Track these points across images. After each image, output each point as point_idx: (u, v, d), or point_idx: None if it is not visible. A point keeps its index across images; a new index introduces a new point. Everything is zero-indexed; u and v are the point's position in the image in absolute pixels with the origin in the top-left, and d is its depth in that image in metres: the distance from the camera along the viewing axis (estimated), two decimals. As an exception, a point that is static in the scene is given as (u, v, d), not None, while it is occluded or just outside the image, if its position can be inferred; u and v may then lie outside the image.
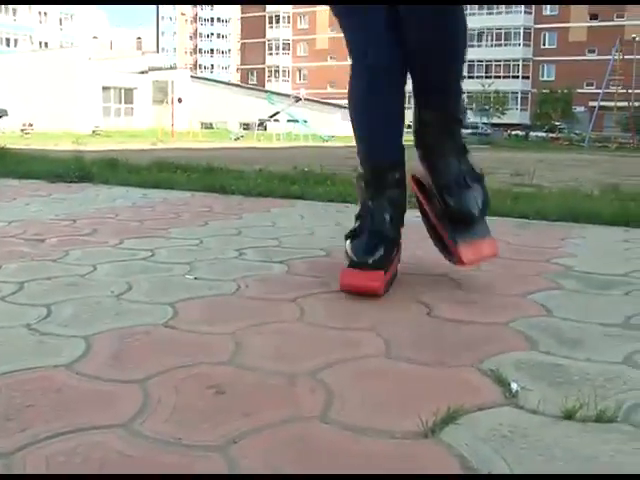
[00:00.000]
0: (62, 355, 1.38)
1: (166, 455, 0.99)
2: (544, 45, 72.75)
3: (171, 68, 60.71)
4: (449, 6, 1.93)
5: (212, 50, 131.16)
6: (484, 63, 69.60)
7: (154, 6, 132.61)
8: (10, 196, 4.20)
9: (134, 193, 4.50)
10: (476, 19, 67.14)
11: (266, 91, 51.08)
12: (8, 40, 77.16)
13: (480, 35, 69.01)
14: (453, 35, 1.99)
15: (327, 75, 74.29)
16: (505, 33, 72.54)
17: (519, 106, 72.06)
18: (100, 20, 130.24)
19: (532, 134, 55.88)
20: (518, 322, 1.66)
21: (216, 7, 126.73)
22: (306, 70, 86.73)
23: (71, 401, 1.16)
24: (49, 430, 1.05)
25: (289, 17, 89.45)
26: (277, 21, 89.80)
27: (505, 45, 72.41)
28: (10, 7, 77.23)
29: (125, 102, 46.02)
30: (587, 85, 66.28)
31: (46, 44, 78.90)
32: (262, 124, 37.92)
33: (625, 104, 49.30)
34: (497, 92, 64.36)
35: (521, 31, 72.67)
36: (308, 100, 43.70)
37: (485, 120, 60.76)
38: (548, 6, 71.63)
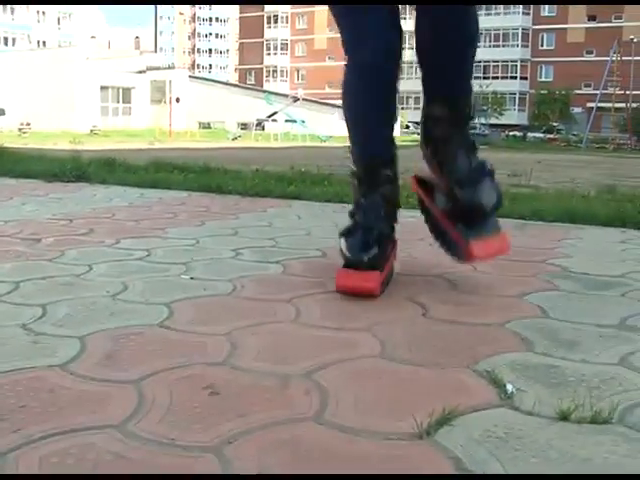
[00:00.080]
0: (56, 355, 1.38)
1: (160, 456, 0.98)
2: (542, 46, 72.79)
3: (169, 68, 60.64)
4: (464, 6, 1.95)
5: (210, 50, 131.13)
6: (482, 64, 69.58)
7: (152, 6, 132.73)
8: (7, 195, 4.19)
9: (131, 193, 4.49)
10: (474, 20, 66.86)
11: (264, 91, 51.05)
12: (6, 39, 77.09)
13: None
14: (468, 35, 2.02)
15: (325, 75, 74.24)
16: (503, 34, 72.58)
17: (517, 107, 72.10)
18: (98, 19, 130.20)
19: (530, 135, 55.95)
20: (514, 323, 1.66)
21: (214, 7, 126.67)
22: (304, 70, 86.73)
23: (65, 402, 1.16)
24: (42, 431, 1.05)
25: (287, 17, 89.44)
26: (275, 21, 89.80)
27: (503, 46, 72.44)
28: (8, 6, 77.17)
29: (123, 102, 45.95)
30: (585, 86, 66.30)
31: (44, 43, 78.92)
32: (260, 124, 37.87)
33: (623, 105, 49.37)
34: (495, 93, 64.34)
35: (519, 32, 72.71)
36: (306, 100, 43.68)
37: (483, 121, 60.71)
38: (546, 7, 71.68)
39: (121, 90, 45.54)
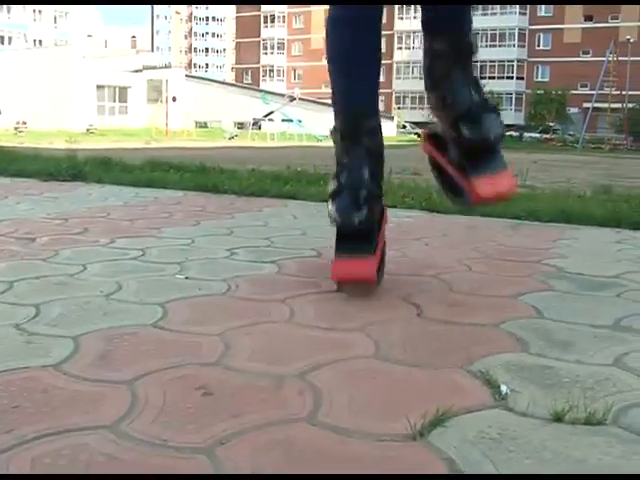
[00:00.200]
0: (50, 355, 1.37)
1: (152, 457, 0.98)
2: (539, 46, 72.84)
3: (166, 67, 60.64)
4: None
5: (207, 49, 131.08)
6: (479, 64, 69.15)
7: (149, 5, 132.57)
8: (2, 194, 4.18)
9: (126, 192, 4.48)
10: (471, 20, 66.97)
11: (261, 90, 51.08)
12: (2, 38, 77.00)
13: (475, 36, 68.95)
14: None
15: (322, 75, 73.97)
16: (500, 34, 72.58)
17: (513, 107, 72.12)
18: (94, 18, 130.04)
19: (526, 135, 55.96)
20: (509, 323, 1.66)
21: (211, 6, 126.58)
22: (301, 70, 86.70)
23: (58, 402, 1.15)
24: (35, 431, 1.04)
25: (284, 17, 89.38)
26: (272, 20, 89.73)
27: (500, 46, 72.44)
28: (4, 5, 77.04)
29: (119, 101, 45.95)
30: (581, 86, 66.36)
31: (40, 42, 78.80)
32: (256, 123, 37.86)
33: (619, 105, 49.47)
34: (491, 93, 64.28)
35: (516, 32, 72.73)
36: (302, 100, 43.72)
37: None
38: (543, 8, 71.74)
39: (117, 89, 45.54)
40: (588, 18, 69.72)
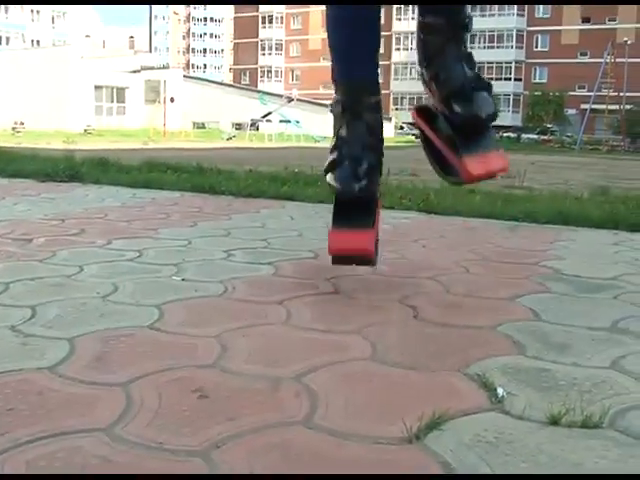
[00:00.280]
0: (45, 357, 1.37)
1: (147, 460, 0.97)
2: (536, 47, 72.91)
3: (164, 67, 60.64)
4: None
5: (205, 50, 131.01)
6: (476, 65, 69.60)
7: (147, 5, 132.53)
8: (-1, 195, 4.17)
9: (124, 193, 4.48)
10: (469, 21, 66.98)
11: (258, 91, 51.03)
12: (0, 38, 76.90)
13: (472, 37, 68.71)
14: None
15: (320, 76, 74.11)
16: (498, 35, 72.65)
17: (511, 108, 72.17)
18: (93, 19, 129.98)
19: (524, 136, 56.05)
20: (505, 326, 1.66)
21: (209, 7, 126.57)
22: (299, 70, 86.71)
23: (53, 404, 1.15)
24: (30, 434, 1.04)
25: (282, 17, 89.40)
26: (270, 21, 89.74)
27: (497, 47, 72.49)
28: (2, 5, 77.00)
29: (117, 101, 45.91)
30: (579, 88, 66.42)
31: (38, 42, 78.70)
32: (254, 124, 37.85)
33: (616, 107, 49.57)
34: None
35: (514, 33, 72.80)
36: (300, 100, 43.71)
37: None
38: (541, 9, 71.81)
39: (115, 90, 45.49)
40: (586, 20, 69.80)
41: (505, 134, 56.69)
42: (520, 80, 73.08)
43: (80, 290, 1.91)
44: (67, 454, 0.98)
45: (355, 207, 1.91)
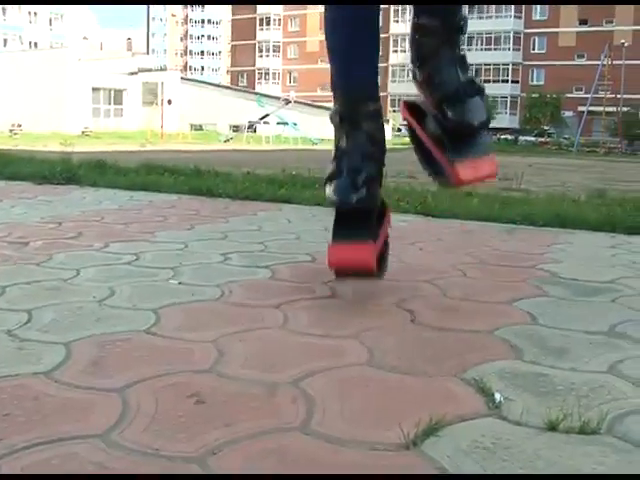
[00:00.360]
0: (41, 362, 1.36)
1: (143, 466, 0.97)
2: (534, 50, 73.01)
3: (161, 69, 60.53)
4: None
5: (202, 52, 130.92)
6: (474, 67, 69.56)
7: (144, 7, 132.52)
8: (-5, 198, 4.16)
9: (121, 196, 4.47)
10: (466, 23, 67.08)
11: (256, 93, 51.10)
12: (-3, 40, 76.90)
13: (470, 39, 69.21)
14: None
15: (317, 78, 74.16)
16: (495, 37, 72.75)
17: (508, 110, 72.27)
18: (90, 20, 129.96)
19: (521, 138, 56.10)
20: (503, 330, 1.65)
21: (207, 9, 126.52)
22: (296, 73, 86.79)
23: (49, 410, 1.14)
24: (25, 440, 1.03)
25: (280, 19, 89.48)
26: (267, 23, 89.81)
27: (495, 49, 72.60)
28: (-1, 7, 77.01)
29: (115, 103, 45.87)
30: (576, 90, 66.49)
31: (36, 44, 78.68)
32: (252, 126, 37.87)
33: (613, 109, 49.60)
34: (487, 96, 64.49)
35: (511, 35, 72.91)
36: (298, 103, 43.72)
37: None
38: (538, 11, 71.93)
39: (113, 92, 45.45)
40: (583, 22, 69.91)
41: (502, 136, 56.73)
42: (517, 82, 73.16)
43: (76, 294, 1.90)
44: (63, 460, 0.98)
45: (354, 219, 1.87)
